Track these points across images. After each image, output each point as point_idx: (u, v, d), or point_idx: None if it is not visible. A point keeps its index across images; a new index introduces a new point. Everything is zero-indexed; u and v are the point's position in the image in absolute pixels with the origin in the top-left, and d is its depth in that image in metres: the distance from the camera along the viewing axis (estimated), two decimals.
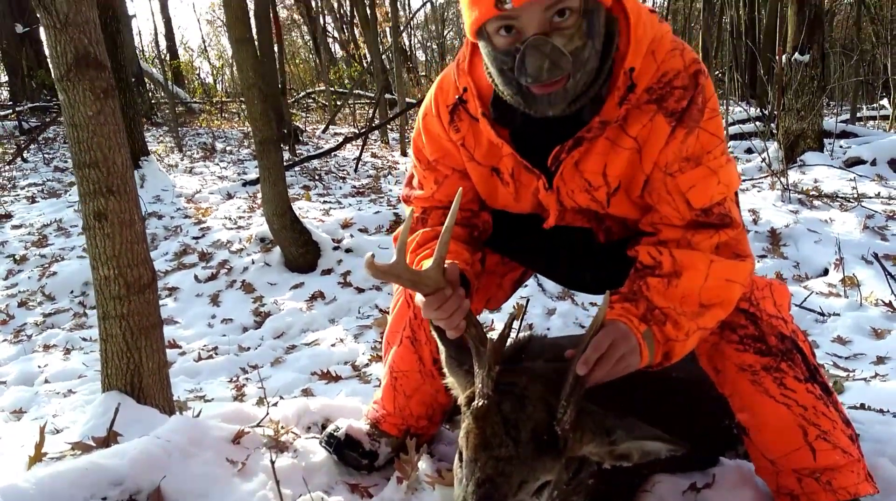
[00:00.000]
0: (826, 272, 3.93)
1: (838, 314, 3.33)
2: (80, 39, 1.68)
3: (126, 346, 1.79)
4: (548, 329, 3.36)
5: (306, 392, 2.83)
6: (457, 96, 1.38)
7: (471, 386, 1.23)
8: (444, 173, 1.50)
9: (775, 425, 1.31)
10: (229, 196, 6.75)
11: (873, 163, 6.26)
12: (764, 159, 6.36)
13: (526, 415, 1.13)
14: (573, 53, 1.15)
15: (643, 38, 1.22)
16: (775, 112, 6.91)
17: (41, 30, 1.70)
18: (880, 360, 2.72)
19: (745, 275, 1.30)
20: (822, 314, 3.23)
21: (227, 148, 11.06)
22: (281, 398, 2.50)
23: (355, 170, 8.05)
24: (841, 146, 9.04)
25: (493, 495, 1.06)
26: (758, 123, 9.78)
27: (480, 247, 1.55)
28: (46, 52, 1.74)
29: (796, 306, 3.31)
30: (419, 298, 1.29)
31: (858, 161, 6.34)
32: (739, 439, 1.43)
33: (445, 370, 1.34)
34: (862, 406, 2.19)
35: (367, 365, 3.22)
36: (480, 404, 1.15)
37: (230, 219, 5.73)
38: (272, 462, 1.43)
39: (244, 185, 7.09)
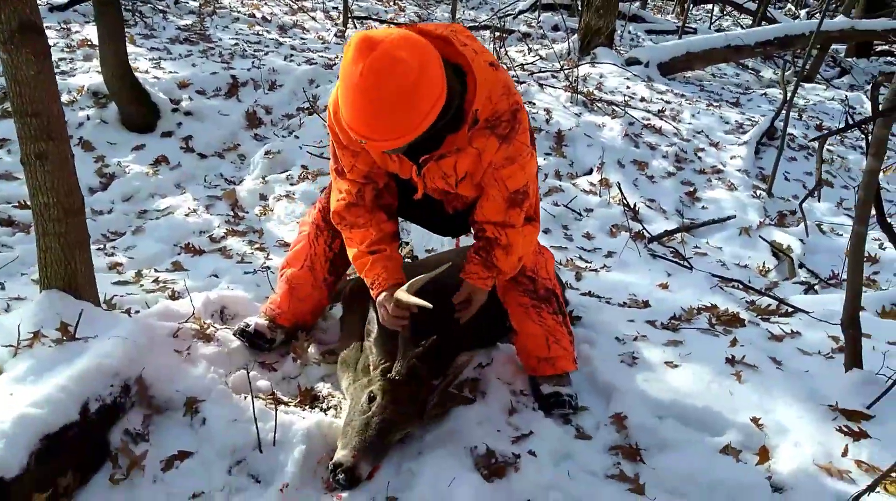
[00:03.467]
0: (591, 172, 5.05)
1: (591, 210, 4.47)
2: (23, 10, 1.92)
3: (64, 257, 2.22)
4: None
5: (177, 265, 3.35)
6: None
7: (380, 359, 2.00)
8: (355, 150, 2.02)
9: (532, 334, 2.22)
10: None
11: (646, 65, 7.49)
12: (562, 51, 7.30)
13: (418, 394, 1.96)
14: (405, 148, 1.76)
15: (483, 90, 1.81)
16: (580, 5, 7.76)
17: None
18: (610, 254, 3.89)
19: (536, 235, 2.12)
20: (580, 214, 4.34)
21: None
22: (173, 281, 3.04)
23: (175, 2, 7.66)
24: (629, 32, 10.31)
25: (389, 429, 1.85)
26: None
27: (399, 236, 2.20)
28: None
29: (565, 206, 4.39)
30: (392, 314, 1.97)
31: (636, 61, 7.53)
32: (509, 336, 2.38)
33: (376, 338, 2.05)
34: (589, 294, 3.30)
35: (224, 238, 3.74)
36: (398, 378, 1.92)
37: None
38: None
39: (51, 10, 6.54)
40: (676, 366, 2.49)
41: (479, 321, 2.32)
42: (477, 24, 8.67)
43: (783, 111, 5.11)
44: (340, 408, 2.10)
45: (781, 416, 2.19)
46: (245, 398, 1.96)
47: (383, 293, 2.01)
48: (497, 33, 6.10)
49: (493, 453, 1.89)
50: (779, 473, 1.95)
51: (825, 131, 4.91)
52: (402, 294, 1.92)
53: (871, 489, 1.74)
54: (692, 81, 8.06)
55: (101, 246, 3.59)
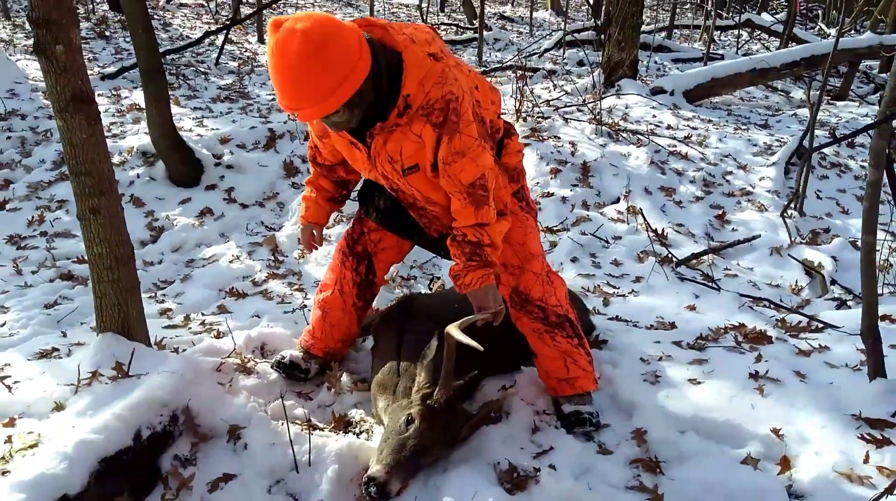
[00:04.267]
0: (618, 200, 5.14)
1: (620, 237, 4.55)
2: (75, 82, 2.17)
3: (117, 301, 2.44)
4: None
5: (222, 308, 3.56)
6: None
7: (423, 385, 2.11)
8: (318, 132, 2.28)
9: (549, 357, 2.32)
10: None
11: (672, 93, 7.59)
12: (587, 85, 7.47)
13: (453, 423, 2.08)
14: (347, 120, 1.89)
15: (415, 76, 1.89)
16: (603, 40, 7.94)
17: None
18: (638, 279, 3.95)
19: (505, 228, 2.17)
20: (607, 242, 4.43)
21: None
22: (219, 322, 3.24)
23: (216, 64, 8.14)
24: (655, 62, 10.43)
25: (422, 452, 1.96)
26: (591, 32, 10.89)
27: (342, 202, 2.53)
28: (45, 88, 2.21)
29: (591, 235, 4.49)
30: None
31: (661, 90, 7.64)
32: (531, 359, 2.48)
33: (428, 364, 2.16)
34: (616, 318, 3.37)
35: (265, 281, 3.95)
36: (436, 406, 2.02)
37: None
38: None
39: (102, 79, 7.04)
40: (699, 383, 2.54)
41: (503, 344, 2.44)
42: (502, 65, 8.93)
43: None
44: (372, 432, 2.23)
45: (803, 427, 2.22)
46: (282, 424, 2.10)
47: (303, 230, 2.52)
48: (519, 72, 6.31)
49: (516, 468, 1.98)
50: (799, 481, 1.99)
51: (813, 147, 4.81)
52: (455, 331, 2.00)
53: (889, 491, 1.77)
54: (719, 107, 8.10)
55: (153, 294, 3.83)
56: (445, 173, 2.02)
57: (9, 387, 2.33)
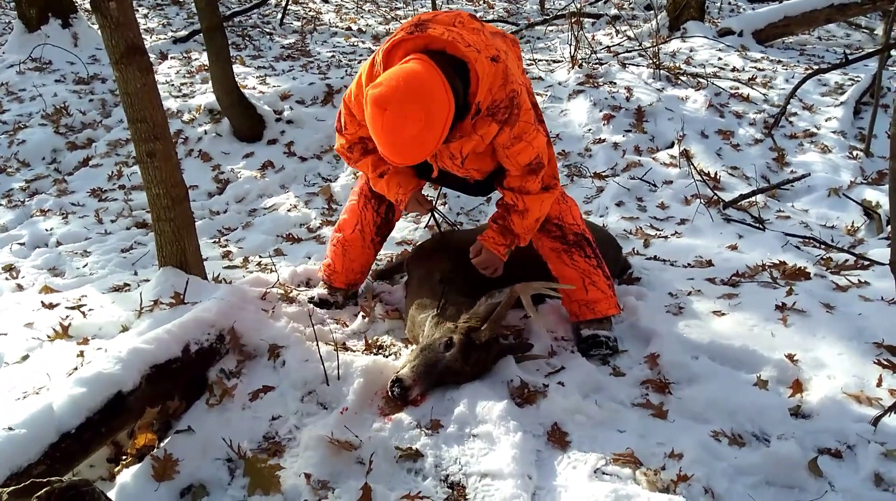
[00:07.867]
0: (672, 145, 5.05)
1: (671, 182, 4.51)
2: (128, 35, 2.38)
3: (174, 237, 2.69)
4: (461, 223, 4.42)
5: (278, 251, 3.82)
6: None
7: (474, 317, 2.23)
8: (360, 124, 2.29)
9: (567, 276, 2.41)
10: (163, 56, 7.11)
11: (740, 34, 7.27)
12: (651, 30, 7.26)
13: (483, 360, 2.19)
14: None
15: (484, 84, 2.04)
16: None
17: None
18: (683, 221, 3.94)
19: (553, 198, 2.32)
20: (655, 186, 4.40)
21: None
22: (270, 261, 3.49)
23: (280, 24, 8.37)
24: (729, 2, 9.95)
25: (449, 374, 2.11)
26: None
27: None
28: (102, 42, 2.44)
29: (640, 179, 4.47)
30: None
31: (729, 31, 7.33)
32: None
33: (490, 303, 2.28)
34: (655, 258, 3.40)
35: (319, 228, 4.19)
36: (477, 342, 2.15)
37: (173, 86, 6.24)
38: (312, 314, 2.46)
39: (175, 42, 7.40)
40: (723, 314, 2.57)
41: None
42: (555, 13, 8.78)
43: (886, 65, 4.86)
44: (399, 355, 2.40)
45: (821, 354, 2.23)
46: (316, 344, 2.30)
47: (410, 202, 2.43)
48: (574, 18, 6.21)
49: (527, 384, 2.11)
50: (808, 402, 2.02)
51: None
52: (523, 292, 2.20)
53: (893, 409, 1.80)
54: (792, 47, 7.69)
55: (217, 239, 4.13)
56: (504, 155, 2.20)
57: (84, 313, 2.64)
